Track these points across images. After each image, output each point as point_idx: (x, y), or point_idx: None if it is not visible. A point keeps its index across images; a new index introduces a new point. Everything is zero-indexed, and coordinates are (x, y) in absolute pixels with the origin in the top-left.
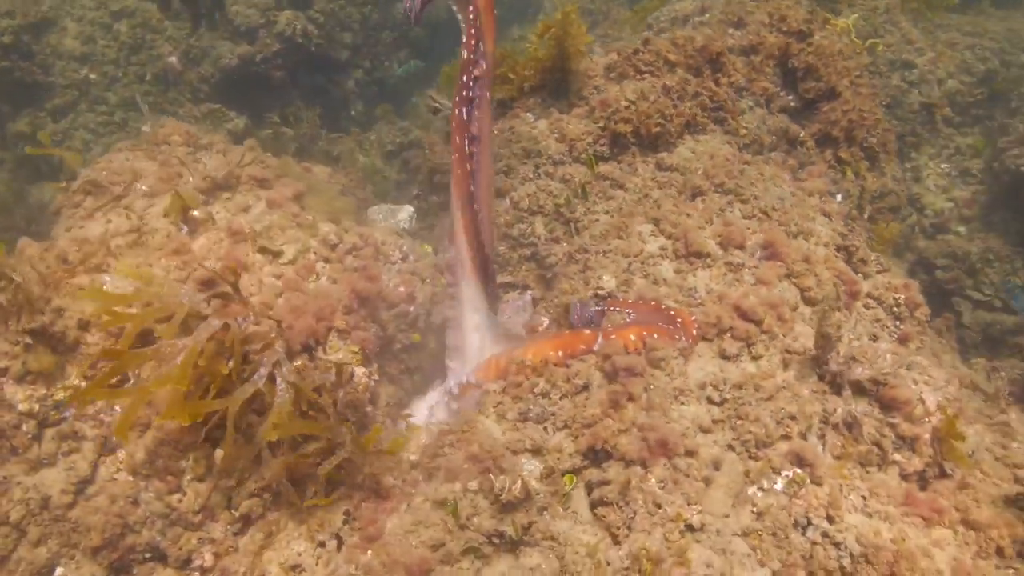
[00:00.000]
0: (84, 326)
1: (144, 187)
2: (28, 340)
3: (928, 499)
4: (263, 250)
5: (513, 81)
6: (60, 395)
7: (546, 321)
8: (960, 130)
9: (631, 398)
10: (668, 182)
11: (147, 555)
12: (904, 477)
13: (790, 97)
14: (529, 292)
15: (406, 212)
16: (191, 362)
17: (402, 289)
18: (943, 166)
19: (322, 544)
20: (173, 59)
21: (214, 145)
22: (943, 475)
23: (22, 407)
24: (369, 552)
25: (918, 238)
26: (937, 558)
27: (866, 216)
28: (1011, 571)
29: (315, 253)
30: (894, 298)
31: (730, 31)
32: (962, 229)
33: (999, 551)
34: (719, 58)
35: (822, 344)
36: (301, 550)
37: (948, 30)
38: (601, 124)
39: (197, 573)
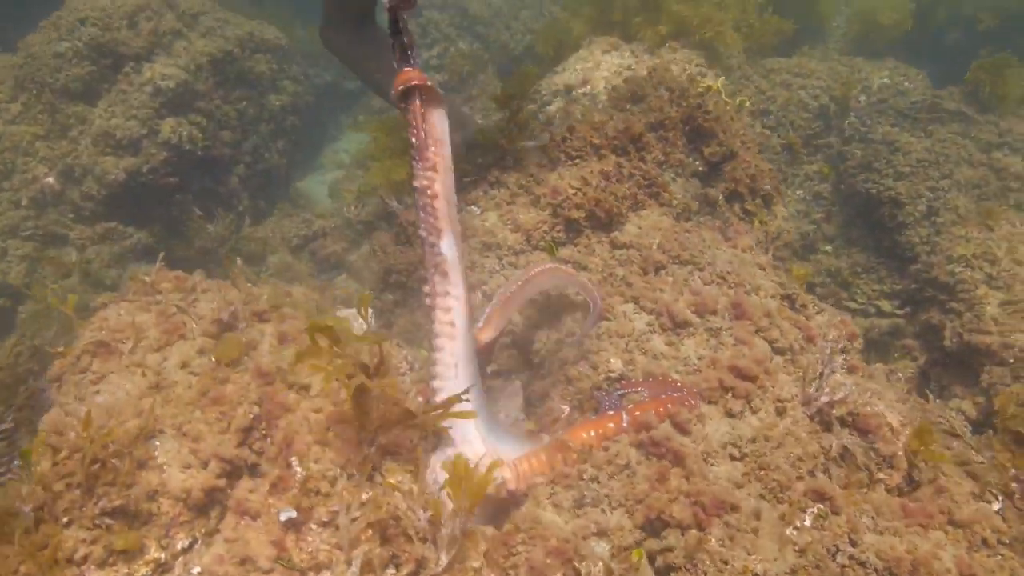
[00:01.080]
0: (153, 496)
1: (149, 341)
2: (108, 521)
3: (919, 508)
4: (293, 386)
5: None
6: (143, 571)
7: (566, 409)
8: (807, 159)
9: (674, 464)
10: (628, 259)
11: None
12: (888, 491)
13: (698, 163)
14: (515, 377)
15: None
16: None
17: (420, 399)
18: (798, 192)
19: None
20: (50, 179)
21: (199, 285)
22: (916, 485)
23: None
24: None
25: (792, 260)
26: (943, 559)
27: (770, 255)
28: (999, 557)
29: (336, 380)
30: (835, 335)
31: (629, 106)
32: (828, 248)
33: (984, 542)
34: (641, 138)
35: (808, 390)
36: None
37: (780, 73)
38: (550, 211)
39: None
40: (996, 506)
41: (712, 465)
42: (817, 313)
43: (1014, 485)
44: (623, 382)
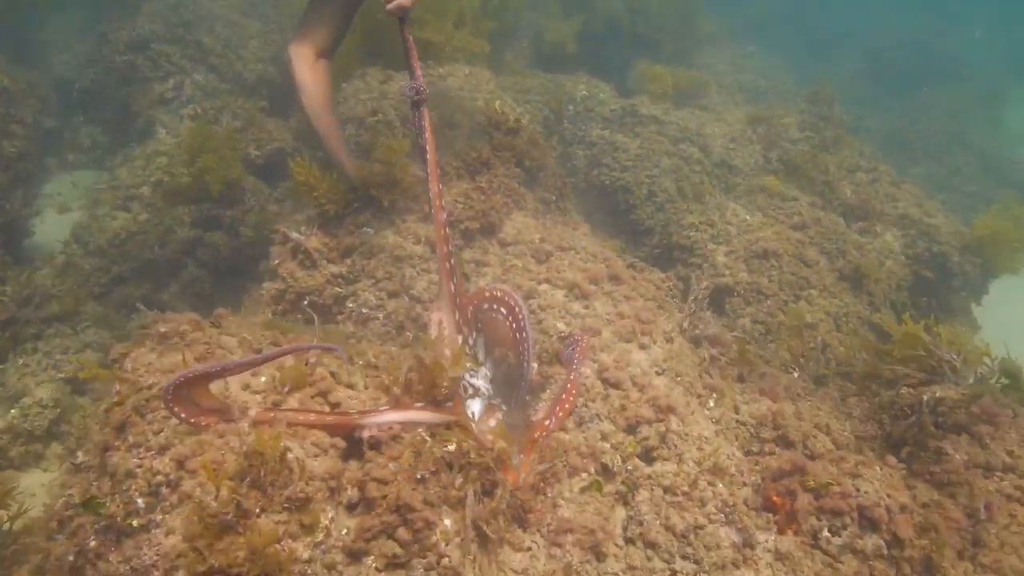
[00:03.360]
0: (309, 480)
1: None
2: (289, 504)
3: (767, 388)
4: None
5: (336, 200)
6: (320, 536)
7: (536, 366)
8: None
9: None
10: (520, 252)
11: None
12: (737, 380)
13: (523, 173)
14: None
15: None
16: None
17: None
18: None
19: None
20: None
21: (221, 319)
22: (747, 377)
23: None
24: None
25: None
26: (787, 411)
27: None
28: (809, 402)
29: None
30: (702, 285)
31: (447, 131)
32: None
33: (799, 394)
34: (489, 160)
35: (684, 324)
36: None
37: (508, 91)
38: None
39: None
40: (796, 375)
41: (650, 381)
42: (650, 272)
43: (801, 359)
44: (571, 336)
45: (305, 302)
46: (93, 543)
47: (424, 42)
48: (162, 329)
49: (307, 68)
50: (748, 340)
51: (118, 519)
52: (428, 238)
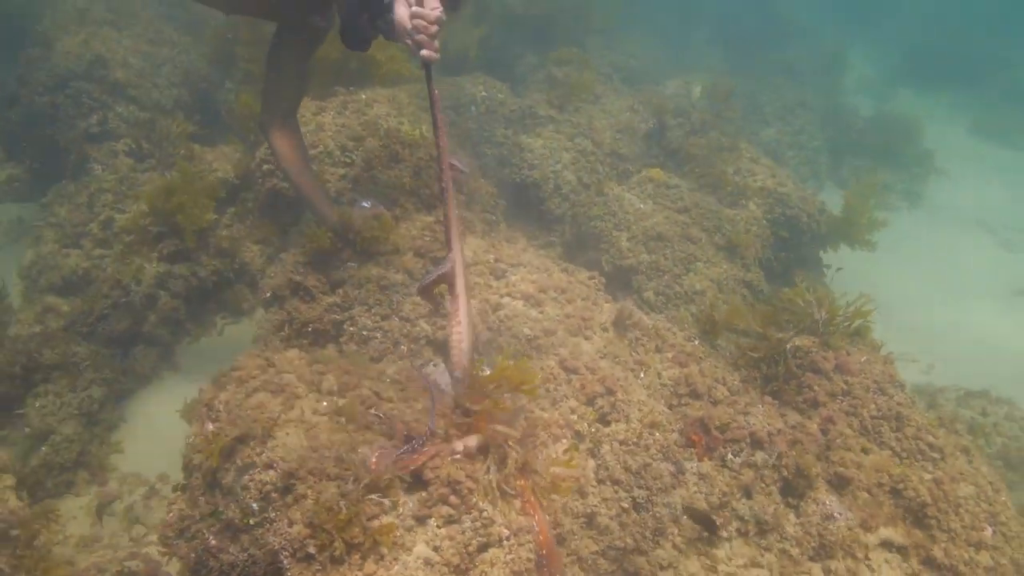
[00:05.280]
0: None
1: (276, 406)
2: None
3: (676, 357)
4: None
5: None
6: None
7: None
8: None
9: (587, 370)
10: (480, 272)
11: None
12: (654, 351)
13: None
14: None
15: None
16: None
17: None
18: None
19: None
20: None
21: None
22: (664, 350)
23: None
24: None
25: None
26: (694, 372)
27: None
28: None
29: None
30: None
31: (393, 164)
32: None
33: (692, 358)
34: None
35: (616, 317)
36: None
37: (414, 102)
38: (412, 254)
39: None
40: (696, 342)
41: (598, 364)
42: (579, 272)
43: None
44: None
45: (309, 329)
46: (214, 542)
47: (368, 61)
48: (238, 374)
49: (277, 136)
50: (651, 309)
51: (235, 520)
52: (405, 268)
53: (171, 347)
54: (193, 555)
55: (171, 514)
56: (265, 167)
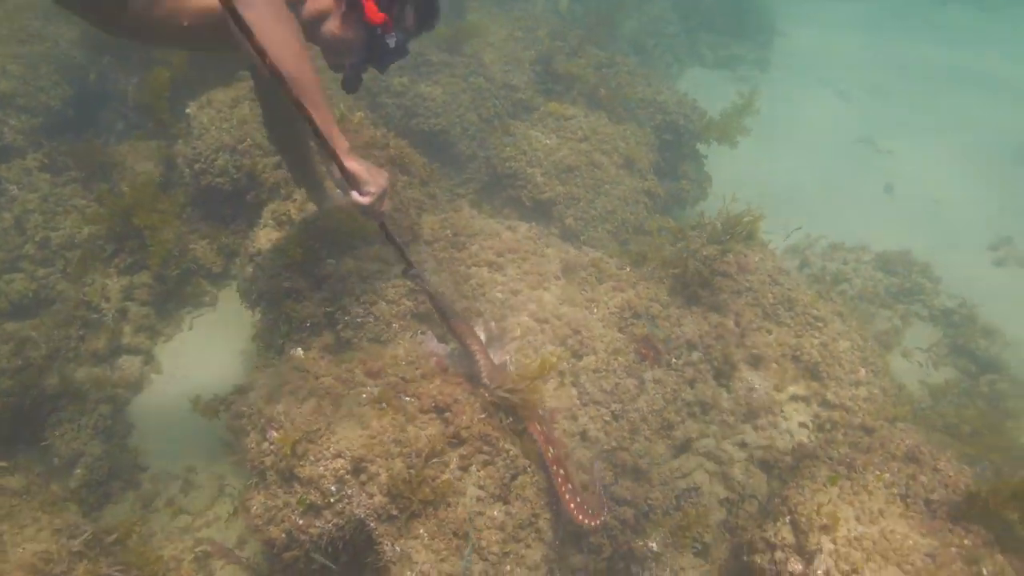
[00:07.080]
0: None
1: (327, 407)
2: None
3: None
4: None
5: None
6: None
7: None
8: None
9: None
10: (443, 247)
11: None
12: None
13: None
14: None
15: None
16: None
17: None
18: None
19: None
20: None
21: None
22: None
23: None
24: None
25: None
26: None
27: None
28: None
29: None
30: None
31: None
32: None
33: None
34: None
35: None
36: None
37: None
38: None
39: None
40: (627, 270)
41: (560, 311)
42: (519, 226)
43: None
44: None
45: (307, 324)
46: (300, 521)
47: None
48: (287, 387)
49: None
50: (572, 234)
51: (317, 502)
52: (380, 257)
53: (151, 351)
54: (283, 535)
55: (254, 507)
56: (196, 166)
